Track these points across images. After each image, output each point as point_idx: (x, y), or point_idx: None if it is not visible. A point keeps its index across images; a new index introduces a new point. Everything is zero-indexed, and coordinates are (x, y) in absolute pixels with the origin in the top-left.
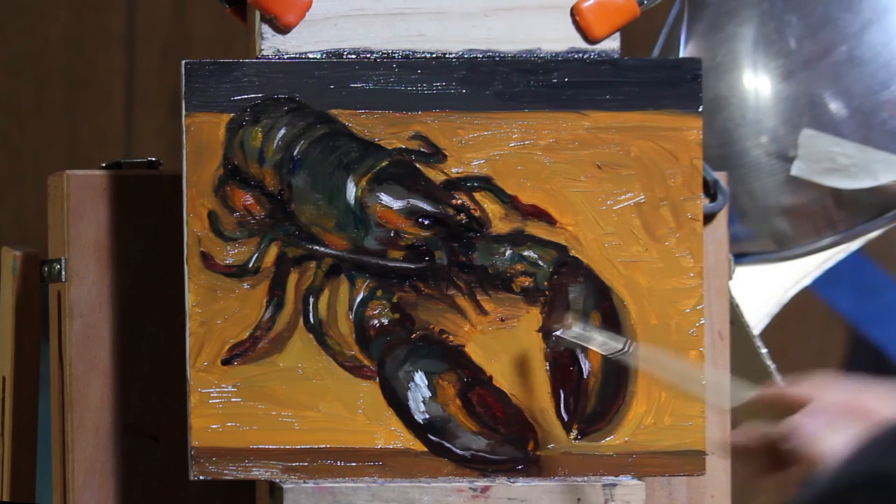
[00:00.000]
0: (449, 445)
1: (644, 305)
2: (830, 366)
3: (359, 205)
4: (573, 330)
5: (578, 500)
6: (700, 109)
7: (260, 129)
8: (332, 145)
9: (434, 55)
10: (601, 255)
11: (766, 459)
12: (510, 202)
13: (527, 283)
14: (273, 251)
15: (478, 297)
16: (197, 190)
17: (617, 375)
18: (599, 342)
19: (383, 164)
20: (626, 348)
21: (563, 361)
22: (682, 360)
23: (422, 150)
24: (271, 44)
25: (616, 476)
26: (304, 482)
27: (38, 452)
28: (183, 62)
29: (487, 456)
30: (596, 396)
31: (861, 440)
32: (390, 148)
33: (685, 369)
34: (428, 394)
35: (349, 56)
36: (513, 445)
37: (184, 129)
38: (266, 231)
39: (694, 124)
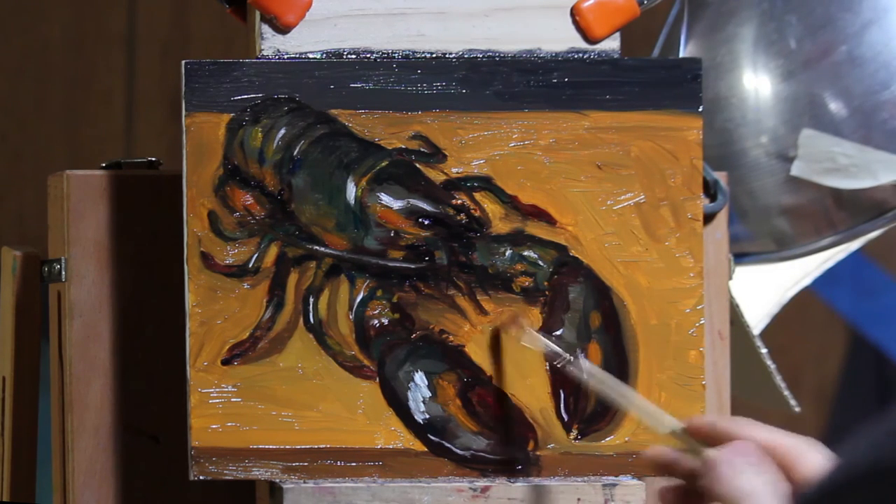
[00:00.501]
0: (449, 445)
1: (644, 305)
2: (830, 366)
3: (359, 205)
4: (526, 333)
5: (578, 500)
6: (700, 109)
7: (260, 129)
8: (332, 145)
9: (434, 55)
10: (601, 255)
11: (679, 489)
12: (510, 202)
13: (527, 283)
14: (273, 251)
15: (478, 297)
16: (197, 190)
17: (617, 375)
18: (547, 351)
19: (383, 164)
20: (572, 358)
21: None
22: (620, 383)
23: (422, 150)
24: (271, 44)
25: (616, 476)
26: (304, 482)
27: (38, 452)
28: (183, 62)
29: (487, 456)
30: (596, 396)
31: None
32: (390, 148)
33: (623, 391)
34: (428, 394)
35: (349, 56)
36: (513, 445)
37: (184, 129)
38: (266, 231)
39: (694, 124)
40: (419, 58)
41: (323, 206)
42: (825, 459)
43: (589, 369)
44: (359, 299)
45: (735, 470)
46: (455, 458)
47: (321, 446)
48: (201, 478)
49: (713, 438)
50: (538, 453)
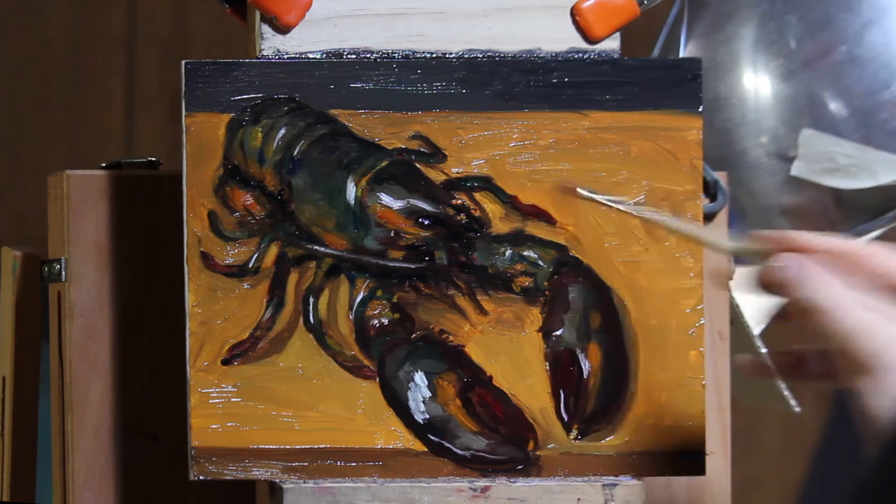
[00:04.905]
0: (449, 445)
1: (644, 305)
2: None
3: (359, 205)
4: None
5: (578, 500)
6: (700, 109)
7: (260, 129)
8: (332, 145)
9: (434, 55)
10: (601, 255)
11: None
12: (510, 202)
13: (527, 283)
14: (273, 251)
15: (478, 297)
16: (197, 190)
17: (617, 375)
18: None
19: (383, 164)
20: (631, 203)
21: (563, 361)
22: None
23: (422, 150)
24: (271, 44)
25: (616, 476)
26: (304, 482)
27: (38, 452)
28: (183, 62)
29: (487, 456)
30: (596, 396)
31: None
32: (390, 148)
33: (674, 221)
34: (428, 394)
35: (349, 56)
36: (513, 445)
37: (184, 129)
38: (266, 231)
39: (694, 124)
40: (419, 58)
41: (323, 206)
42: None
43: (649, 215)
44: (359, 299)
45: (804, 270)
46: (455, 458)
47: (321, 446)
48: (201, 478)
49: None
50: (538, 453)
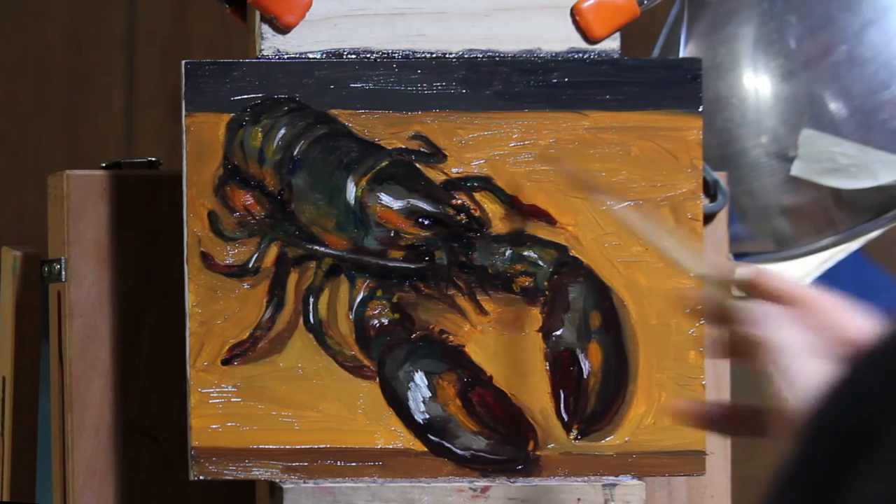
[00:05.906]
0: (449, 445)
1: (644, 305)
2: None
3: (359, 205)
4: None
5: (578, 500)
6: (700, 109)
7: (260, 129)
8: (332, 145)
9: (434, 55)
10: (601, 255)
11: (728, 341)
12: (510, 202)
13: (527, 283)
14: (273, 251)
15: (478, 297)
16: (197, 190)
17: (617, 375)
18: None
19: (383, 164)
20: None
21: (563, 361)
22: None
23: (422, 150)
24: (271, 44)
25: (616, 476)
26: (304, 482)
27: (38, 452)
28: (183, 62)
29: (487, 456)
30: (596, 396)
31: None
32: (390, 148)
33: (660, 233)
34: (428, 394)
35: (349, 56)
36: (513, 445)
37: (184, 129)
38: (266, 231)
39: (694, 124)
40: (419, 58)
41: (323, 206)
42: (869, 319)
43: (627, 216)
44: (359, 299)
45: (772, 321)
46: (455, 458)
47: (321, 446)
48: (201, 478)
49: (750, 289)
50: (538, 453)
